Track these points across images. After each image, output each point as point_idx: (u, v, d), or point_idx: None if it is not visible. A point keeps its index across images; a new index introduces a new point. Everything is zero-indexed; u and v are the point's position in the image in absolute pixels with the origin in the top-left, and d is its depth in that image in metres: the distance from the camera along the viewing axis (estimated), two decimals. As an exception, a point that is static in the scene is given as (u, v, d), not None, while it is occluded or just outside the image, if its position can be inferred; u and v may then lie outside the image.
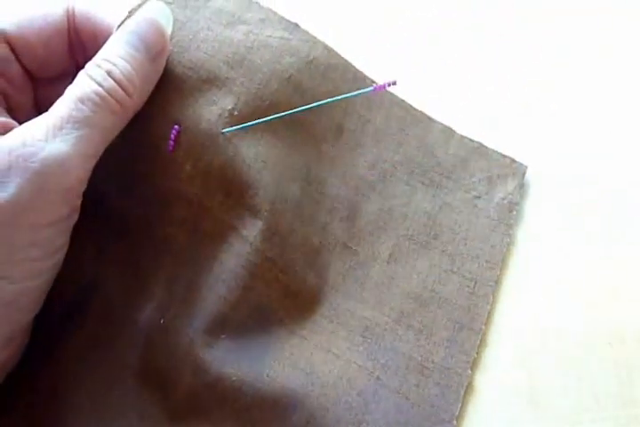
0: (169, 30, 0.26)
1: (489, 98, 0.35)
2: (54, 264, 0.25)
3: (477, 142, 0.33)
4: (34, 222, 0.22)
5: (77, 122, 0.23)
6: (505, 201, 0.32)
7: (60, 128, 0.22)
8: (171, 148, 0.26)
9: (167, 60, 0.26)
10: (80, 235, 0.25)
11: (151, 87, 0.26)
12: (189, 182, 0.27)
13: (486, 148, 0.33)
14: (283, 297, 0.28)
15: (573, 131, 0.34)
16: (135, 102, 0.25)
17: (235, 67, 0.27)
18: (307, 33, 0.30)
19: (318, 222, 0.30)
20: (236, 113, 0.27)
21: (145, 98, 0.25)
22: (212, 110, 0.27)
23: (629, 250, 0.31)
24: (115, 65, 0.24)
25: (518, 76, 0.36)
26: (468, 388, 0.28)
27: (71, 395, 0.26)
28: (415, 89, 0.34)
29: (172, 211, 0.27)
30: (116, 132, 0.25)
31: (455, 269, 0.30)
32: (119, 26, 0.25)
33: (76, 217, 0.24)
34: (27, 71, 0.27)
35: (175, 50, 0.27)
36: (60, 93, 0.23)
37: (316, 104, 0.27)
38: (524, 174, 0.32)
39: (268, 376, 0.26)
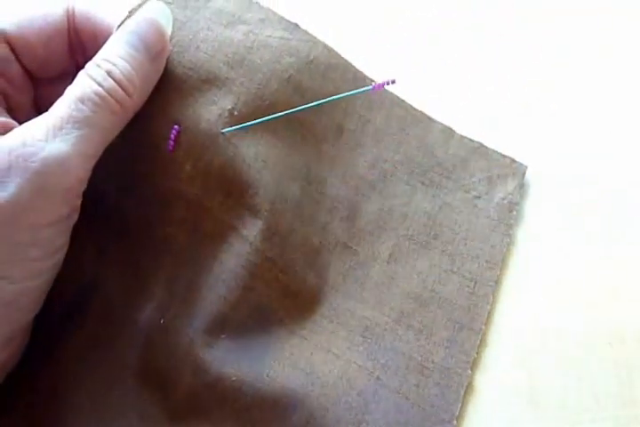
0: (169, 30, 0.26)
1: (489, 98, 0.35)
2: (54, 264, 0.25)
3: (477, 142, 0.33)
4: (34, 222, 0.22)
5: (77, 122, 0.22)
6: (505, 201, 0.32)
7: (60, 128, 0.22)
8: (171, 148, 0.26)
9: (167, 60, 0.26)
10: (80, 235, 0.25)
11: (151, 87, 0.26)
12: (189, 182, 0.27)
13: (486, 148, 0.33)
14: (283, 297, 0.28)
15: (573, 131, 0.34)
16: (135, 102, 0.25)
17: (235, 67, 0.27)
18: (307, 33, 0.30)
19: (318, 222, 0.30)
20: (235, 113, 0.27)
21: (145, 98, 0.25)
22: (211, 110, 0.27)
23: (629, 250, 0.31)
24: (115, 65, 0.24)
25: (518, 76, 0.36)
26: (468, 388, 0.28)
27: (71, 395, 0.26)
28: (415, 89, 0.34)
29: (171, 211, 0.27)
30: (115, 132, 0.25)
31: (455, 269, 0.30)
32: (119, 26, 0.25)
33: (75, 217, 0.24)
34: (27, 71, 0.27)
35: (175, 50, 0.27)
36: (60, 93, 0.23)
37: (316, 103, 0.27)
38: (523, 174, 0.32)
39: (267, 376, 0.26)
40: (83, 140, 0.23)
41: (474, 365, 0.28)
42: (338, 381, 0.27)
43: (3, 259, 0.22)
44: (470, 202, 0.32)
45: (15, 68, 0.26)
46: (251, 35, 0.28)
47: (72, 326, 0.27)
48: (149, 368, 0.27)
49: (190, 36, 0.27)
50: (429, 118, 0.33)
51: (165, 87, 0.26)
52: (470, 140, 0.33)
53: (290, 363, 0.27)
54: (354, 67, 0.32)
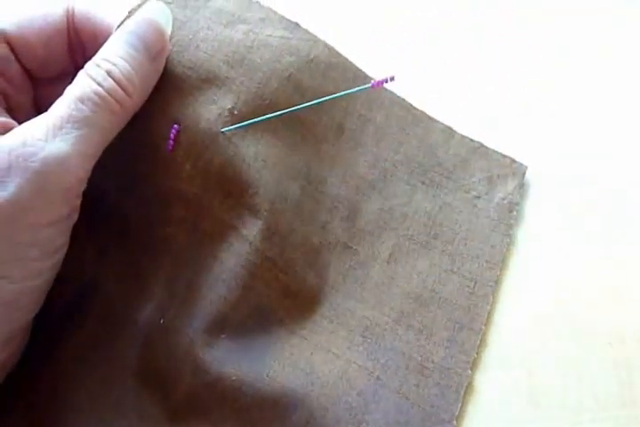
0: (168, 30, 0.26)
1: (489, 98, 0.35)
2: (54, 264, 0.25)
3: (478, 142, 0.33)
4: (34, 222, 0.22)
5: (77, 122, 0.23)
6: (505, 201, 0.32)
7: (60, 128, 0.22)
8: (170, 147, 0.26)
9: (167, 60, 0.26)
10: (80, 235, 0.25)
11: (151, 87, 0.26)
12: (189, 182, 0.27)
13: (486, 148, 0.33)
14: (283, 297, 0.28)
15: (573, 131, 0.34)
16: (135, 102, 0.25)
17: (235, 66, 0.27)
18: (307, 32, 0.30)
19: (318, 222, 0.30)
20: (235, 112, 0.27)
21: (145, 98, 0.25)
22: (211, 109, 0.27)
23: (629, 250, 0.31)
24: (114, 65, 0.24)
25: (518, 76, 0.36)
26: (468, 388, 0.28)
27: (71, 395, 0.26)
28: (415, 89, 0.34)
29: (171, 211, 0.27)
30: (115, 132, 0.25)
31: (455, 269, 0.30)
32: (119, 26, 0.25)
33: (75, 217, 0.24)
34: (26, 71, 0.27)
35: (175, 49, 0.27)
36: (60, 93, 0.23)
37: (315, 102, 0.27)
38: (523, 174, 0.32)
39: (268, 376, 0.26)
40: (82, 140, 0.23)
41: (474, 365, 0.28)
42: (338, 381, 0.27)
43: (3, 259, 0.22)
44: (470, 202, 0.32)
45: (15, 68, 0.26)
46: (251, 34, 0.28)
47: (72, 325, 0.27)
48: (149, 368, 0.27)
49: (190, 36, 0.27)
50: (430, 118, 0.33)
51: (165, 87, 0.26)
52: (470, 140, 0.33)
53: (290, 363, 0.27)
54: (354, 66, 0.32)
